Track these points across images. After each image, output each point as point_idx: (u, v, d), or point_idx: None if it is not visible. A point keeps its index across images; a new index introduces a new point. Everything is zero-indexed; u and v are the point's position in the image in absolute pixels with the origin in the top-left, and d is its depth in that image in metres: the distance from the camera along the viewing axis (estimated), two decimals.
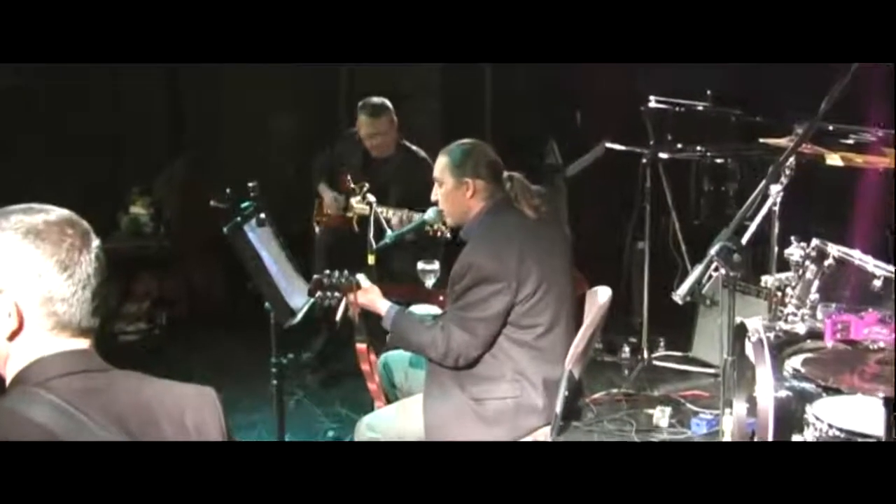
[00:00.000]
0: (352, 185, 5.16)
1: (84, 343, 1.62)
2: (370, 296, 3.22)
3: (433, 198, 3.27)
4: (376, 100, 5.06)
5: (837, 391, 2.89)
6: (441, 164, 3.22)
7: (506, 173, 3.23)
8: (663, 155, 5.23)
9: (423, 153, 5.05)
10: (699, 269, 2.71)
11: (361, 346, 3.24)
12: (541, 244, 3.13)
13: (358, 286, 3.22)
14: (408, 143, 5.14)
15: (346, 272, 3.26)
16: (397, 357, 3.51)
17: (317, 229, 5.33)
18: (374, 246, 3.58)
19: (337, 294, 3.24)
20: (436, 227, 3.86)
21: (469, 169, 3.16)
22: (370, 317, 3.30)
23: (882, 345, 2.72)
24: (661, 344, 5.43)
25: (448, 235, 3.82)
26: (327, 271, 3.26)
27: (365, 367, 3.25)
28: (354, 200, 5.12)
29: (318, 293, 3.25)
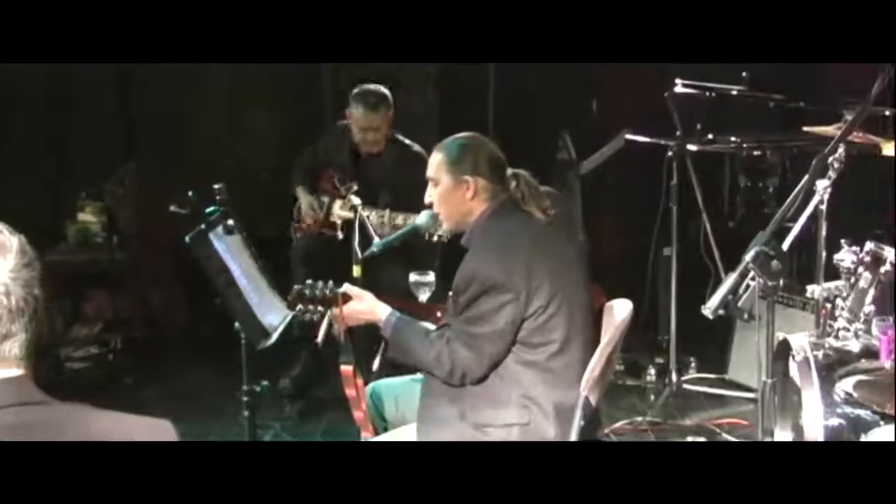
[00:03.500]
0: (338, 186, 5.16)
1: (15, 371, 1.62)
2: (365, 303, 3.23)
3: (427, 199, 3.27)
4: (374, 89, 5.06)
5: None
6: (436, 162, 3.22)
7: (510, 170, 3.23)
8: (692, 147, 5.23)
9: (418, 148, 5.06)
10: (732, 277, 2.71)
11: (346, 369, 3.23)
12: (552, 251, 3.13)
13: (345, 298, 3.22)
14: (401, 138, 5.15)
15: (329, 283, 3.26)
16: (387, 385, 3.51)
17: (295, 236, 5.33)
18: (360, 255, 3.57)
19: (320, 308, 3.24)
20: (432, 230, 3.87)
21: (468, 166, 3.16)
22: (357, 336, 3.30)
23: None
24: (692, 365, 5.43)
25: (445, 239, 3.83)
26: (310, 281, 3.26)
27: (350, 392, 3.25)
28: (338, 204, 5.13)
29: (299, 306, 3.25)
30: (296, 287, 3.27)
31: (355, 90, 5.09)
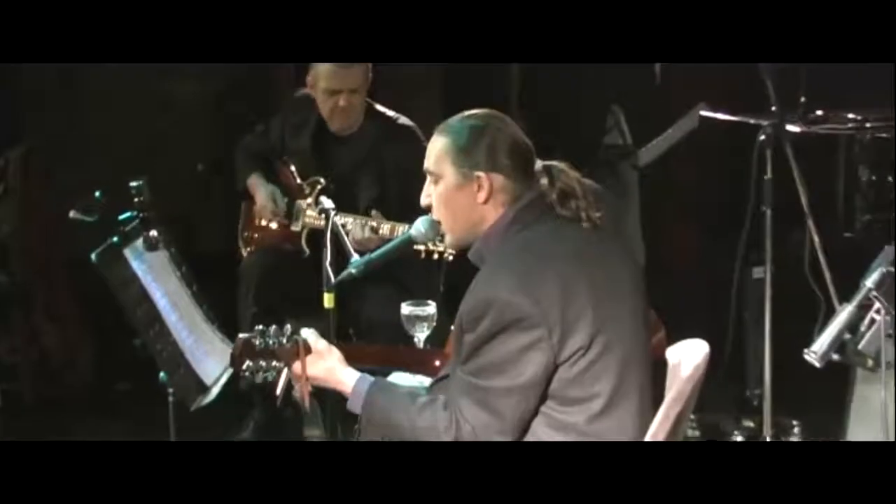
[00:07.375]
0: (298, 182, 5.17)
1: None
2: (325, 364, 3.22)
3: (424, 200, 3.27)
4: None
5: None
6: (437, 150, 3.21)
7: (540, 163, 3.24)
8: (793, 128, 5.24)
9: (405, 119, 5.11)
10: (849, 310, 2.72)
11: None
12: (598, 272, 3.12)
13: (306, 349, 3.22)
14: (382, 109, 5.19)
15: (286, 328, 3.24)
16: None
17: (244, 251, 5.34)
18: (333, 279, 3.57)
19: (275, 364, 3.23)
20: (432, 245, 3.87)
21: (482, 157, 3.17)
22: (331, 395, 3.29)
23: None
24: (795, 430, 5.43)
25: (450, 257, 3.83)
26: (260, 327, 3.25)
27: None
28: (304, 205, 5.14)
29: (248, 363, 3.24)
30: (241, 337, 3.24)
31: None
